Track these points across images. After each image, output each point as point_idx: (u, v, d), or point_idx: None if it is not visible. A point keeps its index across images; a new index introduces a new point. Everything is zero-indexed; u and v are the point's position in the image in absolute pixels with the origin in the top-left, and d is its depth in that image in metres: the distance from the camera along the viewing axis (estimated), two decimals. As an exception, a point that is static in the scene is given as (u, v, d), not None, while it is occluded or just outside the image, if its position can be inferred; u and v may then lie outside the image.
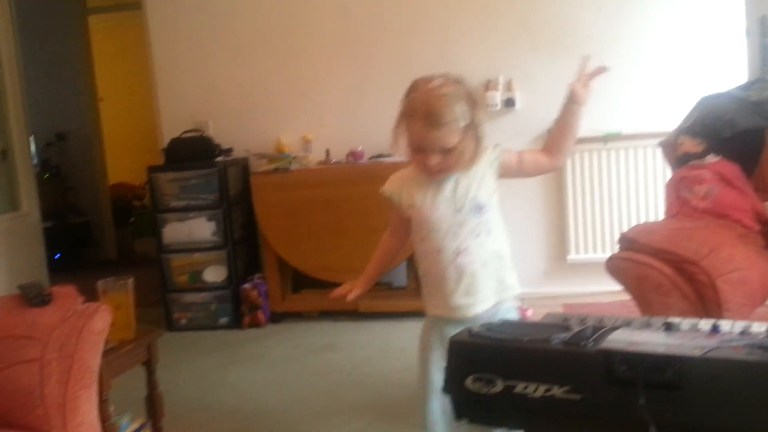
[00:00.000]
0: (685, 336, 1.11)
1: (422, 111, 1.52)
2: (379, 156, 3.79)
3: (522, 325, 1.24)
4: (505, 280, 1.68)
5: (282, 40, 4.08)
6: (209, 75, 4.19)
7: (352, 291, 1.80)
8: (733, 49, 3.24)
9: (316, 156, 3.94)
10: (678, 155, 2.45)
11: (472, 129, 1.56)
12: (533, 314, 3.43)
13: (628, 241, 2.03)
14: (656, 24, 3.67)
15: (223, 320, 3.82)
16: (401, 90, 4.37)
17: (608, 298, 3.32)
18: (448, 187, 1.62)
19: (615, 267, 1.97)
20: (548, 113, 3.71)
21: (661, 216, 2.44)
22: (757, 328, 1.18)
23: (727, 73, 3.21)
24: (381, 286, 3.82)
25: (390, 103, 3.84)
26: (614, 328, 1.19)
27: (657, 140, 2.68)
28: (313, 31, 4.06)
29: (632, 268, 1.92)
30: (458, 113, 1.53)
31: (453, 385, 1.13)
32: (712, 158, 2.35)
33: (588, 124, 3.72)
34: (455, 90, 1.55)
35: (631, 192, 3.69)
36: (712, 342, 1.05)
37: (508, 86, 3.80)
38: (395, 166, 3.56)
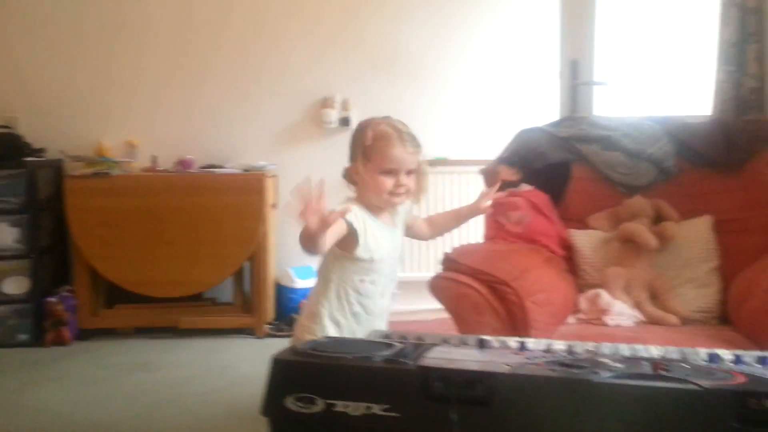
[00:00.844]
0: (496, 353, 1.18)
1: (396, 133, 1.71)
2: (210, 166, 3.66)
3: (346, 343, 1.24)
4: None
5: (108, 34, 3.82)
6: (20, 66, 3.81)
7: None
8: (548, 87, 3.54)
9: (141, 162, 3.72)
10: (496, 182, 2.61)
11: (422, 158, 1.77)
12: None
13: (449, 262, 2.12)
14: (482, 58, 3.92)
15: (23, 337, 3.45)
16: (237, 100, 4.28)
17: (431, 316, 3.45)
18: (394, 235, 1.79)
19: (436, 286, 2.05)
20: (382, 134, 3.86)
21: (481, 239, 2.58)
22: (559, 345, 1.28)
23: (542, 109, 3.50)
24: (204, 302, 3.68)
25: (224, 112, 3.83)
26: (433, 346, 1.23)
27: (480, 167, 2.84)
28: (144, 28, 3.85)
29: (452, 288, 2.01)
30: (417, 139, 1.75)
31: (272, 405, 1.10)
32: (525, 187, 2.54)
33: (418, 148, 3.90)
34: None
35: (457, 215, 3.88)
36: (519, 359, 1.11)
37: (345, 105, 3.86)
38: (227, 177, 3.53)
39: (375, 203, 1.75)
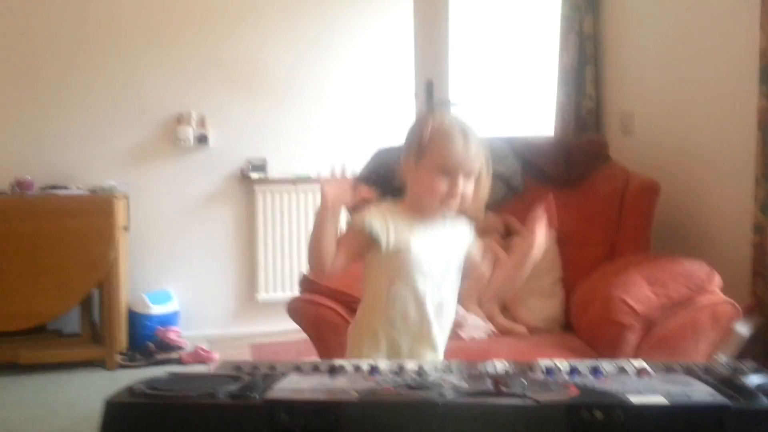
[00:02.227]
0: (347, 379, 1.16)
1: (459, 130, 1.49)
2: (52, 187, 3.40)
3: (190, 378, 1.17)
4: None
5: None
6: None
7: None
8: (406, 107, 3.63)
9: (-29, 184, 3.39)
10: (355, 201, 2.63)
11: (487, 164, 1.53)
12: (219, 358, 3.36)
13: (308, 283, 2.10)
14: (342, 78, 3.95)
15: None
16: (81, 115, 3.99)
17: (296, 337, 3.41)
18: (441, 234, 1.54)
19: (295, 309, 2.02)
20: (241, 151, 3.79)
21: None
22: (411, 366, 1.29)
23: (399, 128, 3.57)
24: (48, 334, 3.40)
25: (67, 128, 3.58)
26: (283, 375, 1.20)
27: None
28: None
29: (310, 310, 1.99)
30: (482, 141, 1.53)
31: (107, 453, 1.02)
32: (384, 205, 2.57)
33: (280, 166, 3.87)
34: None
35: (318, 233, 3.87)
36: (369, 384, 1.11)
37: (202, 122, 3.74)
38: (72, 199, 3.29)
39: (426, 206, 1.53)
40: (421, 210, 1.53)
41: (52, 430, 2.58)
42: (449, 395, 1.05)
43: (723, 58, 2.37)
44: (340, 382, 1.13)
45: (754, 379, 1.12)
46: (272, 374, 1.20)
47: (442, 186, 1.47)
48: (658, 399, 1.02)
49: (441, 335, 1.56)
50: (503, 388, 1.07)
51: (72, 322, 3.44)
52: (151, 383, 1.10)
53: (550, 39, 3.20)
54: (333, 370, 1.23)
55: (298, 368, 1.28)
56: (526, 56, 3.49)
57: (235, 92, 3.81)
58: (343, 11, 3.90)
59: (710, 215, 2.46)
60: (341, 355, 1.89)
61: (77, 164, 3.57)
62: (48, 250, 3.20)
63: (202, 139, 3.71)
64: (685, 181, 2.56)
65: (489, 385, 1.09)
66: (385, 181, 2.65)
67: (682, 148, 2.60)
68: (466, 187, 1.49)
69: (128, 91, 3.68)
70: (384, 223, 1.51)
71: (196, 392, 1.06)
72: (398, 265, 1.50)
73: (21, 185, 3.33)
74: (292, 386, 1.11)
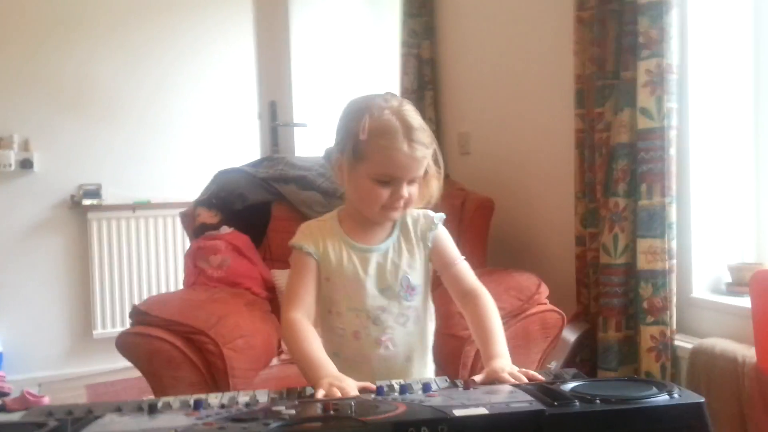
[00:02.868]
0: (167, 418, 1.09)
1: (404, 128, 1.26)
2: None
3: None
4: (424, 376, 1.40)
5: None
6: None
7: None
8: (249, 128, 3.57)
9: None
10: (195, 226, 2.53)
11: (436, 156, 1.32)
12: (51, 401, 3.08)
13: (140, 315, 1.98)
14: (183, 100, 3.81)
15: None
16: None
17: (137, 373, 3.20)
18: (375, 258, 1.34)
19: (125, 344, 1.89)
20: (73, 176, 3.53)
21: (181, 285, 2.47)
22: (242, 397, 1.24)
23: (243, 150, 3.51)
24: None
25: None
26: (97, 418, 1.10)
27: (181, 209, 2.73)
28: None
29: (143, 344, 1.87)
30: (430, 134, 1.31)
31: None
32: (226, 229, 2.49)
33: (117, 191, 3.65)
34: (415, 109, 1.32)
35: (161, 262, 3.68)
36: (190, 420, 1.05)
37: (25, 146, 3.45)
38: None
39: (364, 215, 1.34)
40: (361, 218, 1.36)
41: None
42: (275, 425, 1.01)
43: (545, 82, 2.54)
44: (159, 421, 1.06)
45: (570, 386, 1.18)
46: (85, 418, 1.10)
47: (383, 194, 1.28)
48: (480, 410, 1.05)
49: (391, 372, 1.34)
50: (332, 412, 1.05)
51: None
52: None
53: (391, 61, 3.29)
54: (154, 409, 1.15)
55: (118, 409, 1.19)
56: (368, 78, 3.56)
57: (66, 114, 3.56)
58: (187, 33, 3.78)
59: (540, 229, 2.62)
60: (178, 391, 1.79)
61: None
62: None
63: (26, 164, 3.42)
64: (517, 197, 2.71)
65: (318, 410, 1.07)
66: (227, 204, 2.59)
67: (514, 166, 2.76)
68: (409, 191, 1.30)
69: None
70: (316, 244, 1.34)
71: (-14, 446, 0.95)
72: (329, 294, 1.35)
73: None
74: (103, 430, 1.02)
